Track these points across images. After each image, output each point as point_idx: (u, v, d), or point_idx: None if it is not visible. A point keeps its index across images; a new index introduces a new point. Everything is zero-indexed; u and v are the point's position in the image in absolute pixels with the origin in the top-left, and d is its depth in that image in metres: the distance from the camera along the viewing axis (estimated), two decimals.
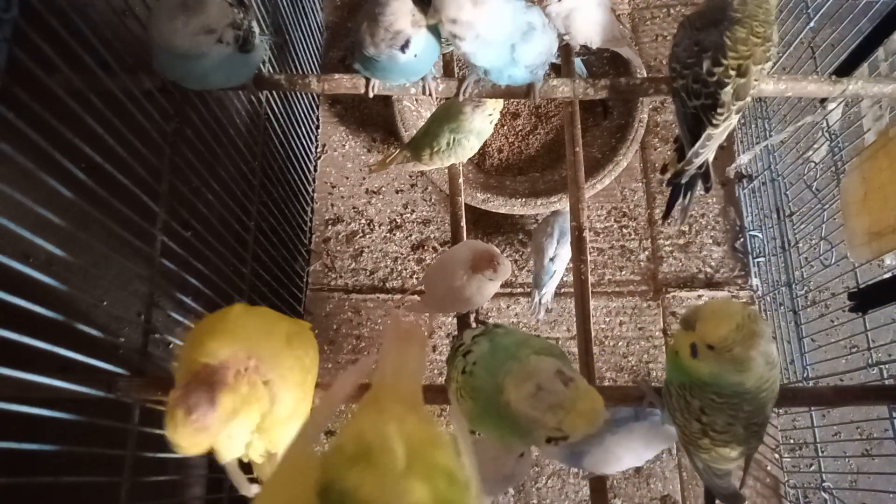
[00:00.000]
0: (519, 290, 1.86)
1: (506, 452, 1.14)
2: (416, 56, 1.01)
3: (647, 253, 1.88)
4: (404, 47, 0.98)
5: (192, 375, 0.77)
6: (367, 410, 0.56)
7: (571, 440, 0.79)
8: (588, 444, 1.13)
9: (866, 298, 1.25)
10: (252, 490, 0.93)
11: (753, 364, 0.79)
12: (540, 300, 1.69)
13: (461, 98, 1.17)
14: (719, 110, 1.01)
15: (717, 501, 1.08)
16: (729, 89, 1.00)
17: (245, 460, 0.88)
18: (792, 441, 1.70)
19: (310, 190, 1.95)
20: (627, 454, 1.14)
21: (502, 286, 1.81)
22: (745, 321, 0.78)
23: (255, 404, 0.82)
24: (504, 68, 1.07)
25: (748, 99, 1.03)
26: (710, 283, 1.84)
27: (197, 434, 0.74)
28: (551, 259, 1.64)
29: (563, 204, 1.74)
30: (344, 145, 2.03)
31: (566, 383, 0.78)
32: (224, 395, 0.76)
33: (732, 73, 0.99)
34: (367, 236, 1.93)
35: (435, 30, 1.05)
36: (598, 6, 1.35)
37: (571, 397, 0.77)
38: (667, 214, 1.20)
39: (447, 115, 1.38)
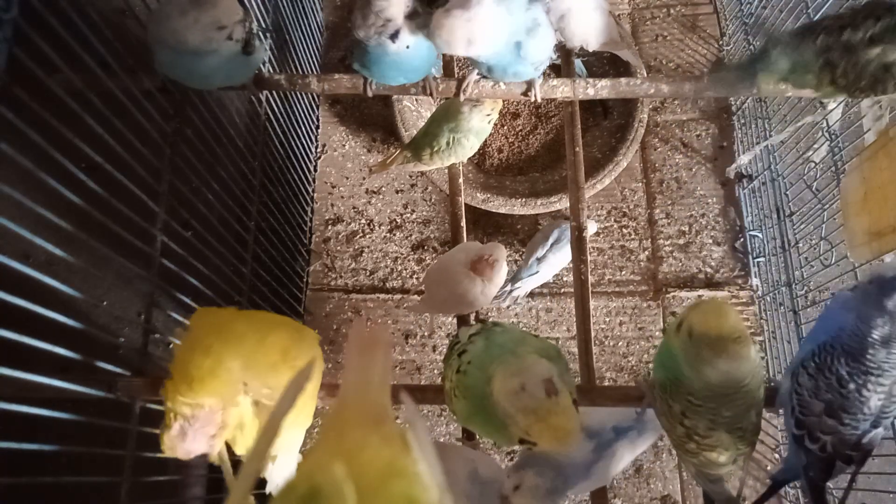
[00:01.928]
0: None
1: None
2: (407, 47, 0.99)
3: (647, 253, 1.88)
4: (394, 37, 0.97)
5: (194, 415, 0.81)
6: (327, 435, 0.55)
7: (539, 449, 0.79)
8: (577, 476, 1.13)
9: None
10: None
11: (704, 374, 0.80)
12: (511, 291, 1.69)
13: (462, 97, 1.17)
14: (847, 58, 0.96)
15: None
16: (872, 53, 0.94)
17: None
18: None
19: (310, 190, 1.95)
20: (609, 474, 1.15)
21: (502, 286, 1.82)
22: (729, 339, 0.77)
23: (246, 424, 0.85)
24: (508, 66, 1.06)
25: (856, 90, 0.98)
26: (710, 283, 1.84)
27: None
28: (538, 259, 1.64)
29: (563, 204, 1.74)
30: (344, 145, 2.03)
31: (549, 394, 0.77)
32: (219, 438, 0.83)
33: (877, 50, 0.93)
34: (367, 236, 1.93)
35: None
36: (595, 10, 1.34)
37: (548, 409, 0.77)
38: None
39: (446, 115, 1.38)
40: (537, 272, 1.65)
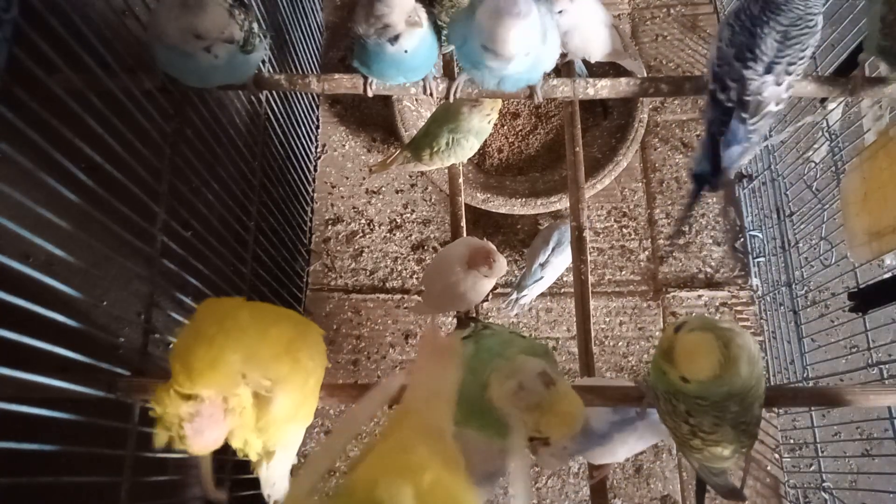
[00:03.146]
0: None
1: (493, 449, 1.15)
2: (406, 52, 0.99)
3: (647, 253, 1.88)
4: (393, 40, 0.97)
5: (197, 410, 0.80)
6: (388, 445, 0.54)
7: (552, 442, 0.80)
8: (594, 441, 1.14)
9: (866, 298, 1.25)
10: (217, 495, 0.93)
11: (740, 376, 0.80)
12: (517, 299, 1.69)
13: (451, 99, 1.16)
14: None
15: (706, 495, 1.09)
16: None
17: (241, 456, 0.89)
18: (792, 441, 1.70)
19: (310, 190, 1.95)
20: (623, 449, 1.16)
21: (502, 286, 1.82)
22: (725, 352, 0.78)
23: (245, 414, 0.84)
24: (522, 76, 1.05)
25: None
26: (710, 283, 1.84)
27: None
28: (541, 264, 1.64)
29: (563, 204, 1.74)
30: (344, 145, 2.03)
31: (547, 385, 0.79)
32: (230, 419, 0.82)
33: None
34: (367, 236, 1.93)
35: (434, 29, 1.04)
36: (599, 24, 1.34)
37: (551, 399, 0.78)
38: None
39: (446, 116, 1.38)
40: (542, 277, 1.66)
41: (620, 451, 1.17)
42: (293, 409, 0.89)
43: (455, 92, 1.14)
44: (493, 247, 1.22)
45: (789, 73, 0.99)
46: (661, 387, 0.91)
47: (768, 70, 0.98)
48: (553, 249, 1.63)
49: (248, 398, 0.85)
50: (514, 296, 1.70)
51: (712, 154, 1.07)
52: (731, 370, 0.78)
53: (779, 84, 1.00)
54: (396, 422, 0.57)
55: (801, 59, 0.98)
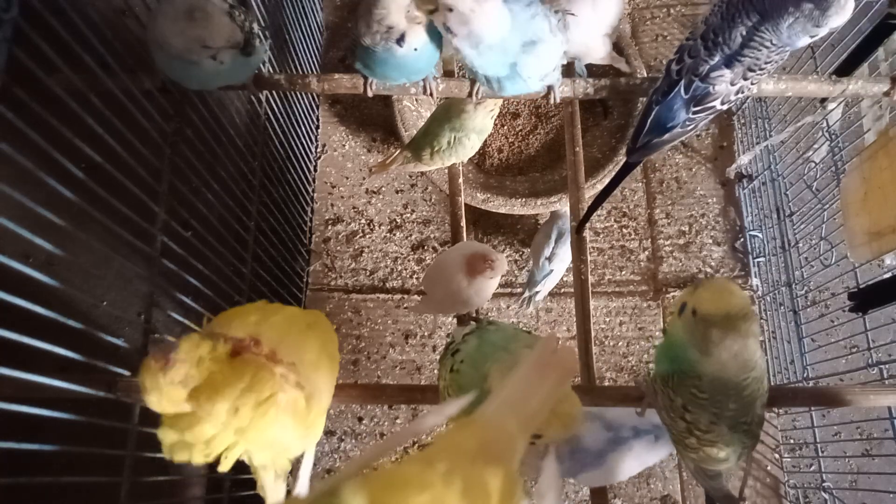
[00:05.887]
0: (519, 289, 1.86)
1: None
2: (415, 49, 0.99)
3: (647, 253, 1.88)
4: (400, 41, 0.97)
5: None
6: (453, 448, 0.50)
7: (544, 441, 0.79)
8: (588, 462, 1.14)
9: (866, 298, 1.24)
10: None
11: (715, 355, 0.77)
12: (531, 297, 1.70)
13: (475, 100, 1.16)
14: None
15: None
16: None
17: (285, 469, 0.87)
18: (792, 441, 1.70)
19: (310, 190, 1.95)
20: (621, 470, 1.16)
21: (501, 286, 1.82)
22: (738, 316, 0.74)
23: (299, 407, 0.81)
24: (506, 80, 1.04)
25: None
26: None
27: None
28: (548, 258, 1.65)
29: (563, 204, 1.74)
30: (344, 145, 2.03)
31: None
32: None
33: None
34: (367, 236, 1.93)
35: (436, 29, 1.04)
36: (602, 35, 1.34)
37: None
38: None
39: (447, 114, 1.38)
40: (552, 271, 1.66)
41: (618, 472, 1.16)
42: (329, 396, 0.89)
43: (478, 92, 1.14)
44: (487, 248, 1.22)
45: (746, 79, 0.97)
46: (659, 371, 0.91)
47: (728, 64, 0.95)
48: (556, 241, 1.64)
49: (274, 374, 0.81)
50: (527, 293, 1.70)
51: (641, 120, 1.04)
52: (726, 333, 0.75)
53: (733, 84, 0.97)
54: (457, 427, 0.54)
55: (762, 69, 0.95)
